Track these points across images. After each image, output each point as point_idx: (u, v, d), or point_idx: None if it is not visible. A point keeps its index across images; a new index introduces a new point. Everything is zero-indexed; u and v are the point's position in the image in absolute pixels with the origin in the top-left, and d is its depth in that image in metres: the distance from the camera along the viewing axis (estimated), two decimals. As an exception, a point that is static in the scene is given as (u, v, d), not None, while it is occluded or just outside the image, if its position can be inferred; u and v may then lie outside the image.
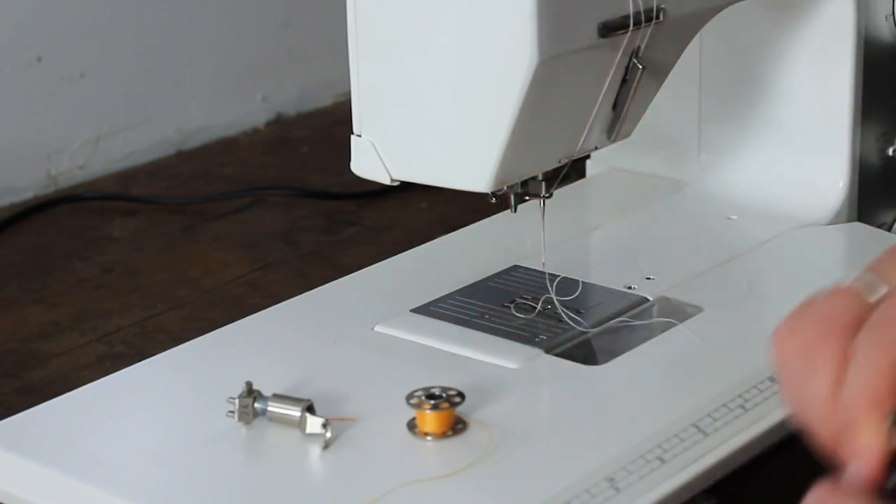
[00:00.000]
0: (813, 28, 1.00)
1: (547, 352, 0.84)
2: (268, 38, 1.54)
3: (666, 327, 0.86)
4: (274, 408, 0.75)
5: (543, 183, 0.85)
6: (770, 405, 0.78)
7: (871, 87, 1.01)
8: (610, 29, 0.79)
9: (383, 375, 0.82)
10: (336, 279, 0.96)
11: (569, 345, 0.85)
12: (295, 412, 0.75)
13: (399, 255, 1.00)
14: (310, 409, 0.75)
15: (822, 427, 0.57)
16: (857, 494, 0.55)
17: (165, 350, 0.87)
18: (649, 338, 0.85)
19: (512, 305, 0.89)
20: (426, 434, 0.74)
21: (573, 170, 0.85)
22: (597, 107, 0.82)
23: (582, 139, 0.83)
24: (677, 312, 0.88)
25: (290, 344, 0.87)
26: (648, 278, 0.92)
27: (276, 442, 0.76)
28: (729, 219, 1.03)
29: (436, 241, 1.03)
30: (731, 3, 0.91)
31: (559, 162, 0.83)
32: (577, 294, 0.89)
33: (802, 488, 0.78)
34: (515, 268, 0.95)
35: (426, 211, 1.24)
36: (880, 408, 0.55)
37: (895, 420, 0.56)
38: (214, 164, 1.41)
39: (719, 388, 0.79)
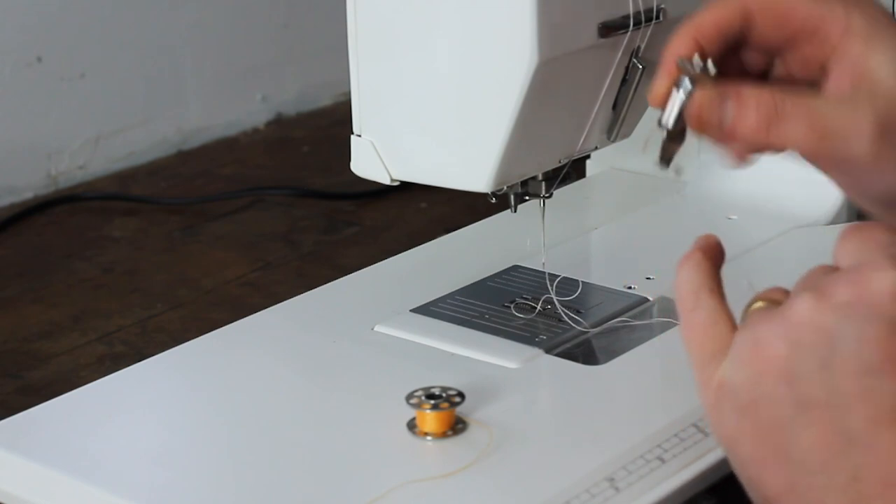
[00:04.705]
0: (813, 28, 1.00)
1: (547, 352, 0.84)
2: (268, 38, 1.53)
3: (666, 327, 0.86)
4: None
5: (543, 183, 0.85)
6: (770, 405, 0.78)
7: (871, 87, 1.01)
8: (610, 29, 0.79)
9: (383, 375, 0.82)
10: (336, 279, 0.96)
11: (569, 345, 0.85)
12: None
13: (399, 255, 1.00)
14: None
15: None
16: None
17: (165, 350, 0.87)
18: (649, 338, 0.85)
19: (512, 305, 0.89)
20: (426, 434, 0.74)
21: (573, 170, 0.85)
22: (597, 107, 0.82)
23: (582, 139, 0.83)
24: (677, 312, 0.88)
25: (291, 344, 0.87)
26: (648, 278, 0.92)
27: (275, 441, 0.76)
28: (729, 219, 1.02)
29: (436, 241, 1.03)
30: (731, 3, 0.91)
31: (559, 162, 0.83)
32: (577, 294, 0.89)
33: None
34: (515, 268, 0.95)
35: (426, 211, 1.24)
36: None
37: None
38: (214, 164, 1.41)
39: (719, 388, 0.78)
